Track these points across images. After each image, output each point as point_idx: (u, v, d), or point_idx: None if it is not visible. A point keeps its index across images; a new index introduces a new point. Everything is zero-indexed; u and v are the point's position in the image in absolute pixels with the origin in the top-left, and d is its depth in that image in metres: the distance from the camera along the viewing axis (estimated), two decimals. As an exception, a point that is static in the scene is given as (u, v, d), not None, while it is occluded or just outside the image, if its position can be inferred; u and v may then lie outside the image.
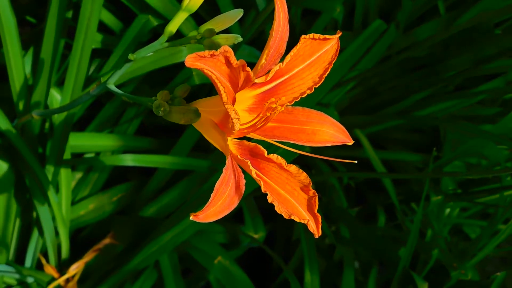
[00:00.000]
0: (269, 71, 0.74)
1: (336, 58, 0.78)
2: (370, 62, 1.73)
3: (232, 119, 0.66)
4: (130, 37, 1.46)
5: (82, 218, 1.62)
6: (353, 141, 0.85)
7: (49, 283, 1.50)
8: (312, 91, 0.79)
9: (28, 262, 1.53)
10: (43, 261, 1.52)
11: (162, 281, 1.52)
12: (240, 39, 0.77)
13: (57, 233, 1.51)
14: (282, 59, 0.75)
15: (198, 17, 1.50)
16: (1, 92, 1.52)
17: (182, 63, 1.26)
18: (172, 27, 0.79)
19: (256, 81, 0.75)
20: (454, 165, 1.91)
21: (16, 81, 1.36)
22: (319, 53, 0.77)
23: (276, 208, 0.71)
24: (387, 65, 1.82)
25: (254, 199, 1.71)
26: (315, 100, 1.48)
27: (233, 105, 0.68)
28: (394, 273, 1.56)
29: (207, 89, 1.71)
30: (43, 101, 1.39)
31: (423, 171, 1.98)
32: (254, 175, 0.70)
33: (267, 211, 1.57)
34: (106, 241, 1.57)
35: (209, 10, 1.62)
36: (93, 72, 1.61)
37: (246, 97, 0.78)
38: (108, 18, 1.60)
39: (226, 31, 0.79)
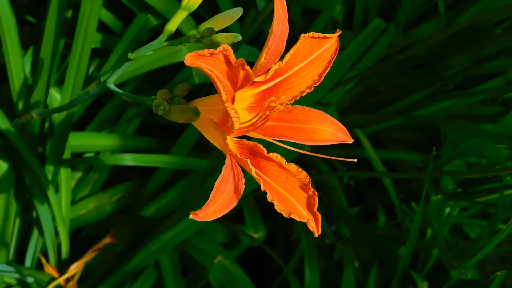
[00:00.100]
0: (268, 70, 0.74)
1: (335, 56, 0.78)
2: (370, 61, 1.73)
3: (231, 117, 0.65)
4: (129, 36, 1.46)
5: (82, 218, 1.62)
6: (353, 140, 0.85)
7: (49, 282, 1.50)
8: (312, 90, 0.79)
9: (28, 261, 1.53)
10: (43, 260, 1.51)
11: (162, 280, 1.52)
12: (240, 38, 0.77)
13: (57, 233, 1.51)
14: (281, 58, 0.75)
15: (198, 16, 1.50)
16: (0, 91, 1.51)
17: (182, 63, 1.26)
18: (172, 26, 0.79)
19: (256, 80, 0.74)
20: (454, 164, 1.91)
21: (16, 80, 1.36)
22: (318, 51, 0.77)
23: (275, 207, 0.71)
24: (387, 64, 1.82)
25: (254, 198, 1.71)
26: (315, 99, 1.49)
27: (233, 104, 0.68)
28: (394, 272, 1.56)
29: (207, 88, 1.71)
30: (42, 101, 1.39)
31: (423, 170, 1.98)
32: (253, 174, 0.70)
33: (267, 210, 1.57)
34: (106, 240, 1.57)
35: (209, 9, 1.62)
36: (93, 71, 1.61)
37: (246, 96, 0.78)
38: (108, 17, 1.60)
39: (226, 30, 0.79)
